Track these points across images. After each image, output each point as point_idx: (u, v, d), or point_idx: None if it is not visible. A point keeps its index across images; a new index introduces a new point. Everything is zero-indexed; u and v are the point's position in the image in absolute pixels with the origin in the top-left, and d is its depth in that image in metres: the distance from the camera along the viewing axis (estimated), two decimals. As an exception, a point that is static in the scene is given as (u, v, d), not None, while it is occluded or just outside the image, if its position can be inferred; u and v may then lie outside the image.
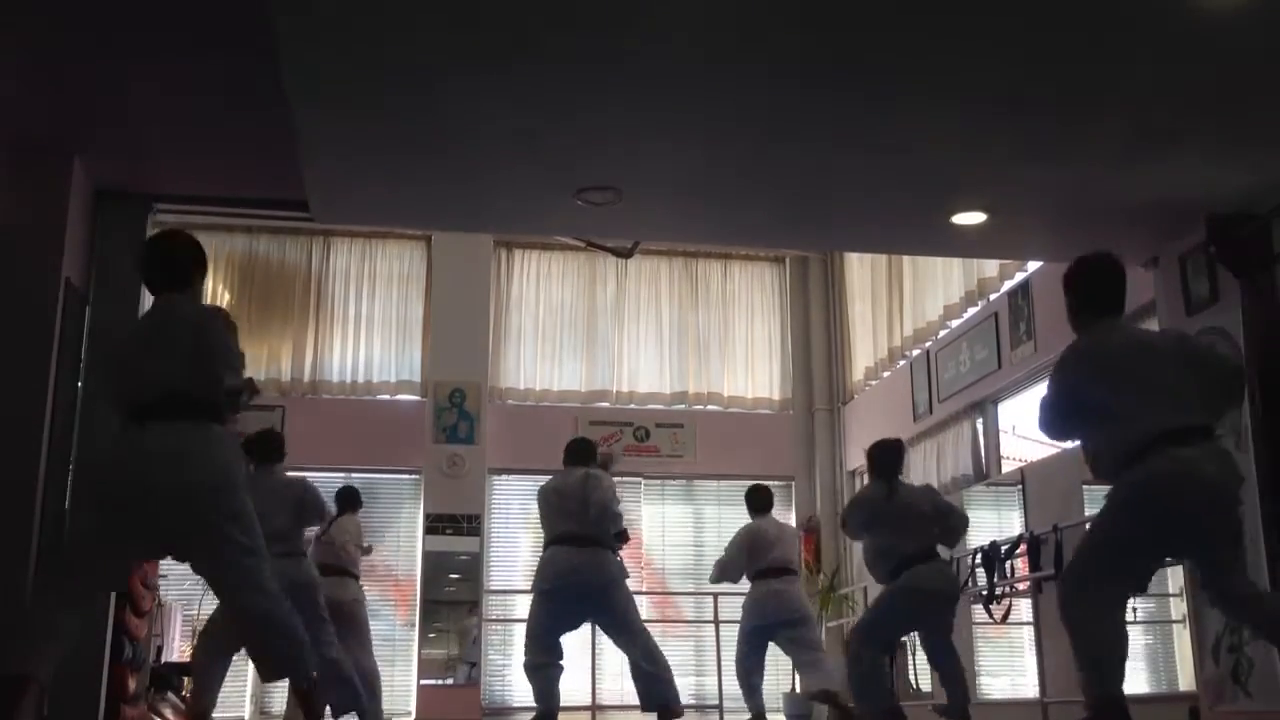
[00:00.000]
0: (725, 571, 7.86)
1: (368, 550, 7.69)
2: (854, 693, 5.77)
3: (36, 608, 3.56)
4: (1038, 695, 7.17)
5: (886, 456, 6.19)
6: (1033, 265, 8.00)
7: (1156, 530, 3.79)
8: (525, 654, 6.09)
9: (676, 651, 11.02)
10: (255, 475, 5.55)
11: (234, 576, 3.61)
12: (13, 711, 3.29)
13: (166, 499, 3.47)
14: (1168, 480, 3.72)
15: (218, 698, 6.06)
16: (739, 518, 10.57)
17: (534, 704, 6.07)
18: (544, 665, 6.01)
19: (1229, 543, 3.86)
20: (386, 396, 11.15)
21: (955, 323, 9.21)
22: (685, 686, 10.70)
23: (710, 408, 11.64)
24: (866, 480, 10.18)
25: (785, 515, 11.57)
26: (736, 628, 8.42)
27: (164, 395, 3.53)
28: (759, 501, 7.99)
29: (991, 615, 7.65)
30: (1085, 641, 3.79)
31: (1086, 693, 3.76)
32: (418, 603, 10.44)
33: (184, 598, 9.96)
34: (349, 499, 7.50)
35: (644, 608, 10.80)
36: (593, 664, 9.17)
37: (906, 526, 5.79)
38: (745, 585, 7.99)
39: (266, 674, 3.99)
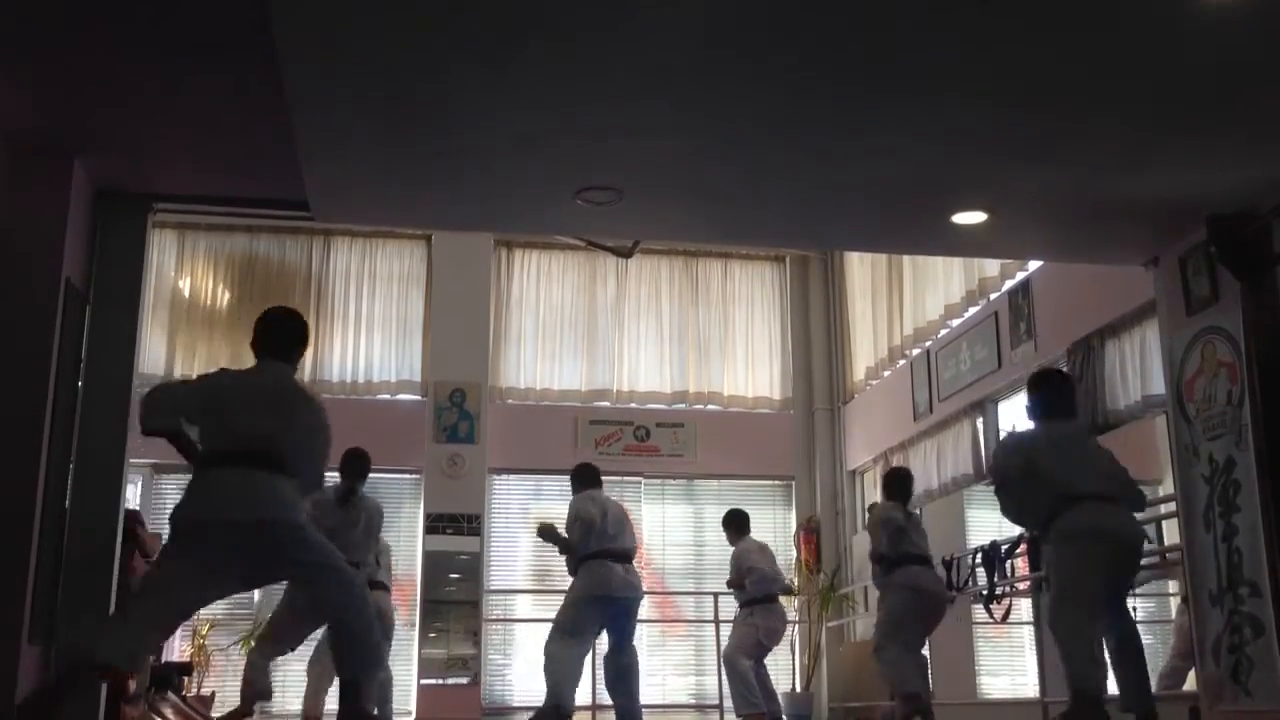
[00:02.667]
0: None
1: None
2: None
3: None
4: (1038, 695, 7.18)
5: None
6: (1033, 265, 8.00)
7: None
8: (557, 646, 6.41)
9: (676, 651, 11.05)
10: None
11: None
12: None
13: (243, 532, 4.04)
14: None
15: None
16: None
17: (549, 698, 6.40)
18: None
19: None
20: (387, 396, 11.15)
21: (955, 322, 9.20)
22: (685, 686, 10.79)
23: (710, 407, 11.63)
24: (874, 474, 10.39)
25: (785, 515, 11.60)
26: (729, 627, 8.51)
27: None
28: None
29: (992, 615, 7.66)
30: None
31: None
32: (418, 602, 10.44)
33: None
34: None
35: (644, 607, 10.86)
36: (593, 664, 9.16)
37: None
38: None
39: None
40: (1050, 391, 5.45)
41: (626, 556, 6.51)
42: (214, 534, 3.99)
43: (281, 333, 4.43)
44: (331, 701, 7.35)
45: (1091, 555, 4.95)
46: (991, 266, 8.54)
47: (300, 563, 4.15)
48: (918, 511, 7.57)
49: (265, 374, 4.31)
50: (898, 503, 7.06)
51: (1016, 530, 7.90)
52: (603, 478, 6.92)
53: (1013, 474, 5.24)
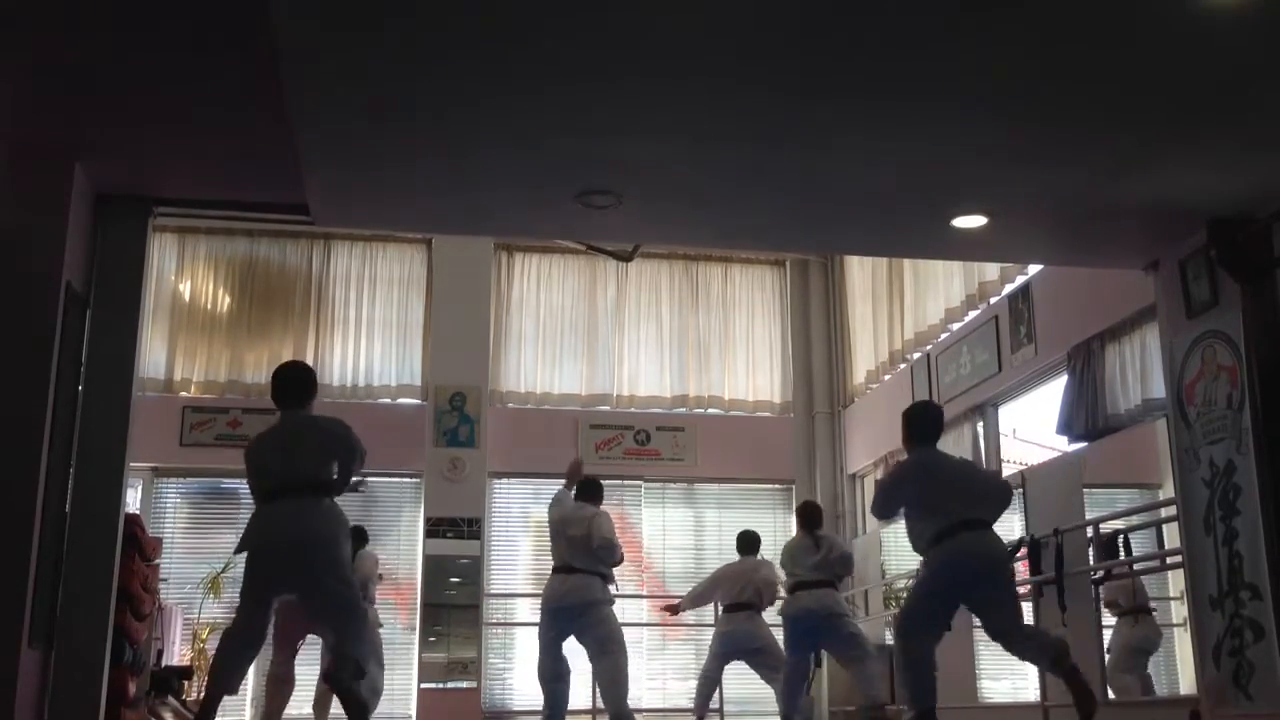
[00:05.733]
0: None
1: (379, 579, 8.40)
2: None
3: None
4: (1038, 699, 7.17)
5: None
6: (1033, 269, 8.01)
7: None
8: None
9: (677, 655, 11.04)
10: None
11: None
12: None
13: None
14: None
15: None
16: (739, 521, 10.59)
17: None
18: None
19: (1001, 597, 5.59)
20: (387, 400, 11.15)
21: (956, 326, 9.21)
22: (685, 690, 10.78)
23: (711, 411, 11.64)
24: (874, 477, 10.36)
25: (786, 519, 11.59)
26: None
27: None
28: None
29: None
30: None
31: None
32: (418, 606, 10.43)
33: (184, 601, 9.97)
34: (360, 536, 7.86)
35: (644, 611, 10.85)
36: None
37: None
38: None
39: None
40: (923, 422, 5.94)
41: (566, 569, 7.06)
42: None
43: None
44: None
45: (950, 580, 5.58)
46: (991, 270, 8.55)
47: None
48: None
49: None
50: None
51: (1016, 534, 7.90)
52: (604, 482, 7.07)
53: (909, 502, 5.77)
